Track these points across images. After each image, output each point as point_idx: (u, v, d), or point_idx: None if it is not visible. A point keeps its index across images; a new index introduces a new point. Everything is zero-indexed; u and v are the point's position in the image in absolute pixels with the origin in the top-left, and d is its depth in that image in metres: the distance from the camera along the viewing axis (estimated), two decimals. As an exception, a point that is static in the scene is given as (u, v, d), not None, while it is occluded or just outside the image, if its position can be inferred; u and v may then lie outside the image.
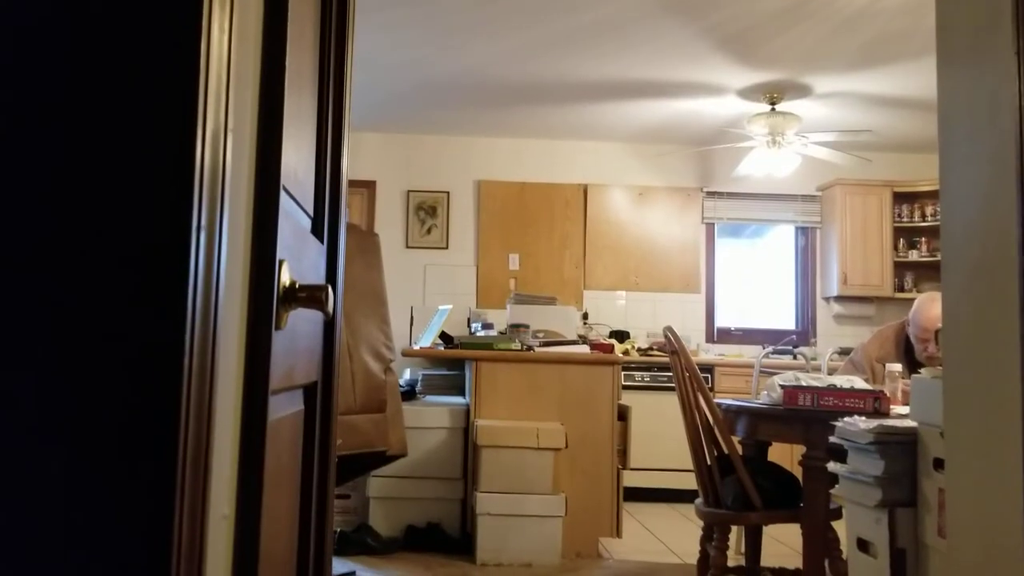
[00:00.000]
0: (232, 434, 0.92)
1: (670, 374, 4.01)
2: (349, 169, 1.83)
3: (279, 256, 1.02)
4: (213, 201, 0.72)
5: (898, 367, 3.37)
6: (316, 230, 1.49)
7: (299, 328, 1.25)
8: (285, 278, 1.06)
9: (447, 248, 6.82)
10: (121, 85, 0.69)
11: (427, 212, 6.85)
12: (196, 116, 0.68)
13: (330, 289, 1.14)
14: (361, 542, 4.13)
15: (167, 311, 0.68)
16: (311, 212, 1.46)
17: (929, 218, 6.62)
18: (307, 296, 1.11)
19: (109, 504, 0.67)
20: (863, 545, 2.27)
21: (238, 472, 0.92)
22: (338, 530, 4.14)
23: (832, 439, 2.46)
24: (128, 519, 0.67)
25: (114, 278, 0.68)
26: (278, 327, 1.03)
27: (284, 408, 1.21)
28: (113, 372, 0.68)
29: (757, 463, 3.30)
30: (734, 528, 3.93)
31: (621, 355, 5.17)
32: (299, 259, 1.25)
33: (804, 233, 7.07)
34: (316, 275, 1.46)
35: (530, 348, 4.51)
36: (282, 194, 1.08)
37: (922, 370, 2.32)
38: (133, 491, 0.67)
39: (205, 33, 0.68)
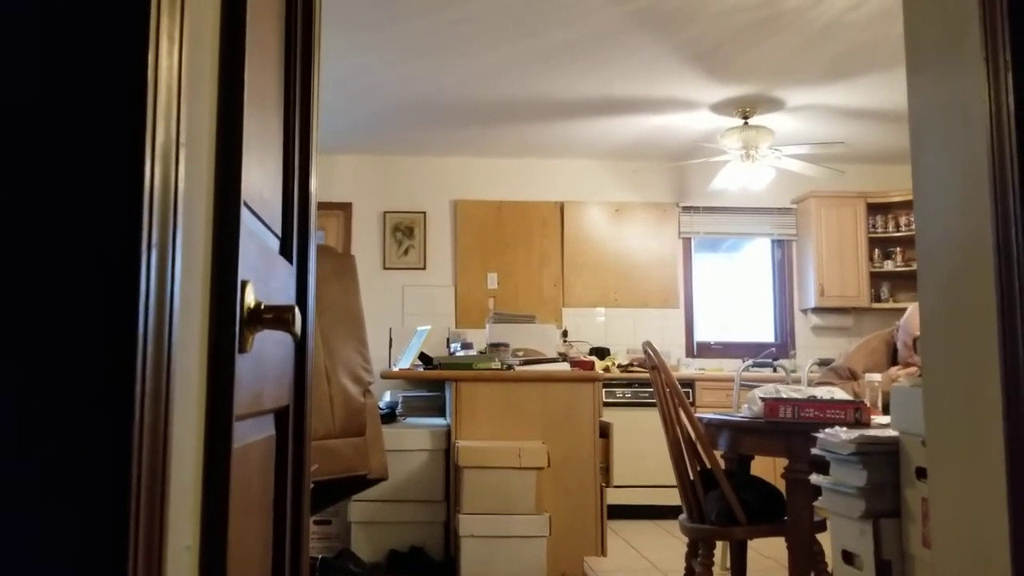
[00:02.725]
0: (194, 461, 0.88)
1: (651, 390, 3.99)
2: (324, 191, 1.81)
3: (242, 276, 0.99)
4: (165, 217, 0.69)
5: (877, 377, 3.37)
6: (285, 251, 1.46)
7: (267, 351, 1.22)
8: (249, 299, 1.03)
9: (425, 269, 6.79)
10: (64, 96, 0.66)
11: (404, 233, 6.82)
12: (144, 130, 0.65)
13: (297, 310, 1.11)
14: (343, 569, 4.07)
15: (116, 332, 0.65)
16: (279, 233, 1.43)
17: (903, 228, 6.66)
18: (273, 317, 1.08)
19: (58, 535, 0.64)
20: (848, 557, 2.25)
21: (201, 501, 0.89)
22: (320, 556, 4.08)
23: (814, 451, 2.45)
24: (79, 550, 0.64)
25: (61, 298, 0.65)
26: (243, 350, 1.00)
27: (253, 433, 1.17)
28: (59, 396, 0.64)
29: (740, 477, 3.28)
30: (719, 543, 3.91)
31: (601, 372, 5.15)
32: (266, 280, 1.22)
33: (780, 246, 7.10)
34: (286, 297, 1.43)
35: (510, 367, 4.48)
36: (246, 213, 1.05)
37: (901, 378, 2.31)
38: (83, 521, 0.64)
39: (153, 44, 0.66)
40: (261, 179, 1.23)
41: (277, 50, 1.42)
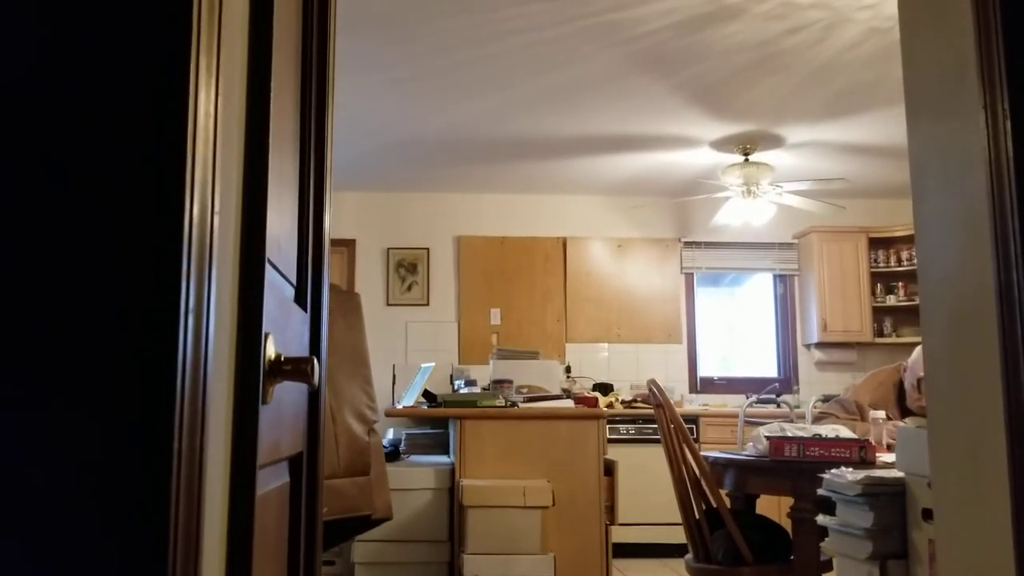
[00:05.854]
0: (221, 511, 0.90)
1: (655, 426, 3.99)
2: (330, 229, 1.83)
3: (264, 330, 1.02)
4: (200, 283, 0.72)
5: (882, 414, 3.38)
6: (299, 299, 1.49)
7: (284, 399, 1.24)
8: (271, 352, 1.05)
9: (428, 305, 6.82)
10: (107, 168, 0.69)
11: (407, 269, 6.85)
12: (183, 201, 0.68)
13: (315, 361, 1.13)
14: (348, 608, 4.05)
15: (155, 396, 0.67)
16: (294, 281, 1.45)
17: (905, 263, 6.70)
18: (292, 369, 1.10)
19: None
20: (856, 598, 2.25)
21: (227, 548, 0.91)
22: (324, 596, 4.06)
23: (820, 491, 2.45)
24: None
25: (102, 366, 0.67)
26: (264, 402, 1.03)
27: (271, 481, 1.19)
28: (99, 458, 0.67)
29: (746, 516, 3.28)
30: (725, 582, 3.90)
31: (605, 408, 5.15)
32: (283, 330, 1.25)
33: (782, 281, 7.13)
34: (300, 344, 1.46)
35: (514, 404, 4.48)
36: (267, 267, 1.08)
37: (907, 419, 2.32)
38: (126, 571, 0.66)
39: (191, 120, 0.69)
40: (279, 228, 1.26)
41: (293, 97, 1.45)
